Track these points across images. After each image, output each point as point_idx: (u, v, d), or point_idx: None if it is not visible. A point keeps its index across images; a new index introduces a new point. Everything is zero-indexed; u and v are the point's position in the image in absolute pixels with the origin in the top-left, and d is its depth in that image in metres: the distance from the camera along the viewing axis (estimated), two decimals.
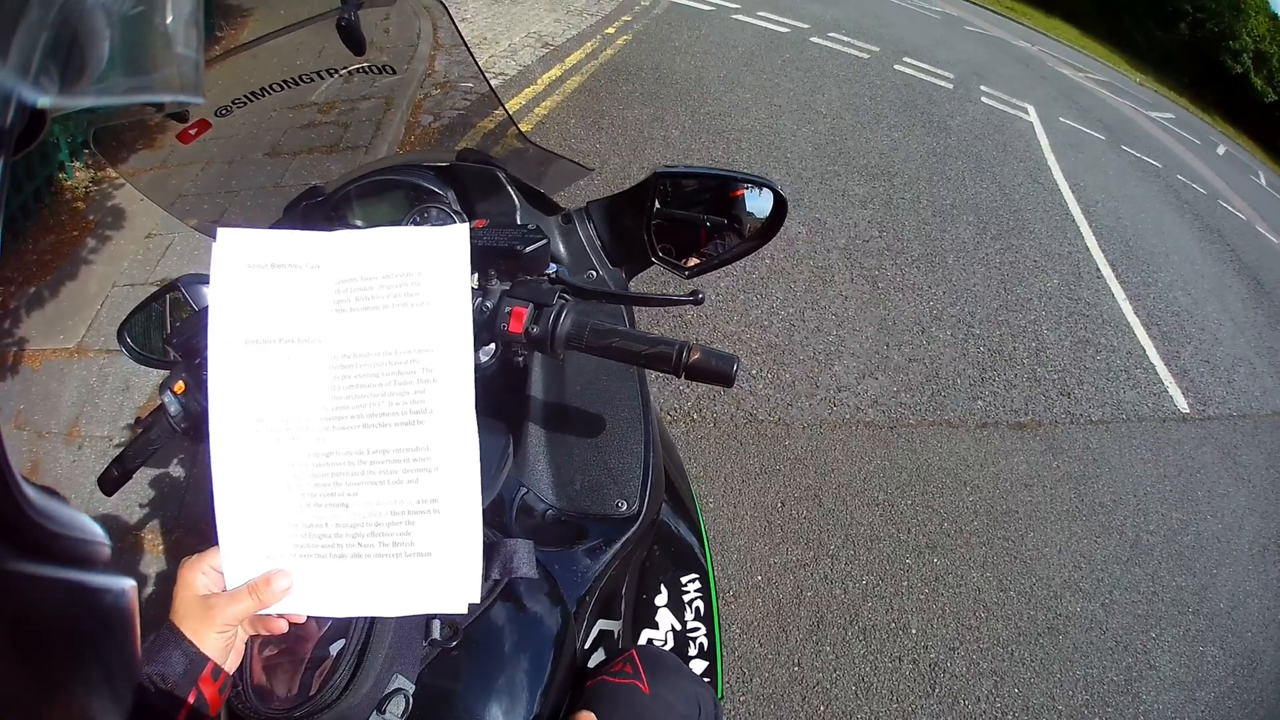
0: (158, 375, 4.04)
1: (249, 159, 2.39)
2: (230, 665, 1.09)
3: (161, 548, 3.61)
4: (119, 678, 0.62)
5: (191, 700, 1.01)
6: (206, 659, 1.03)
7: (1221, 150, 24.41)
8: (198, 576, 1.09)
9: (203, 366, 1.37)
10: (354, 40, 1.76)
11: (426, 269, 1.10)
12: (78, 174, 5.66)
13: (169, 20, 0.60)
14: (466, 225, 1.11)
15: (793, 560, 4.12)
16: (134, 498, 3.72)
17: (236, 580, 1.09)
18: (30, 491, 0.50)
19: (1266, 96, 39.69)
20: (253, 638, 1.13)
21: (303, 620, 1.13)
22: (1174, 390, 7.09)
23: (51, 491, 0.55)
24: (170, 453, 3.84)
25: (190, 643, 1.03)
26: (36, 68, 0.46)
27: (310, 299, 1.11)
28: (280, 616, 1.10)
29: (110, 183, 5.64)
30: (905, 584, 4.22)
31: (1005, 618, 4.28)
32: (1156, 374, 7.20)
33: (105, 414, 4.15)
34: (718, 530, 4.10)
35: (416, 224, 1.76)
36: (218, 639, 1.05)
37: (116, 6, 0.54)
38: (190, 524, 3.66)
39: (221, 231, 1.12)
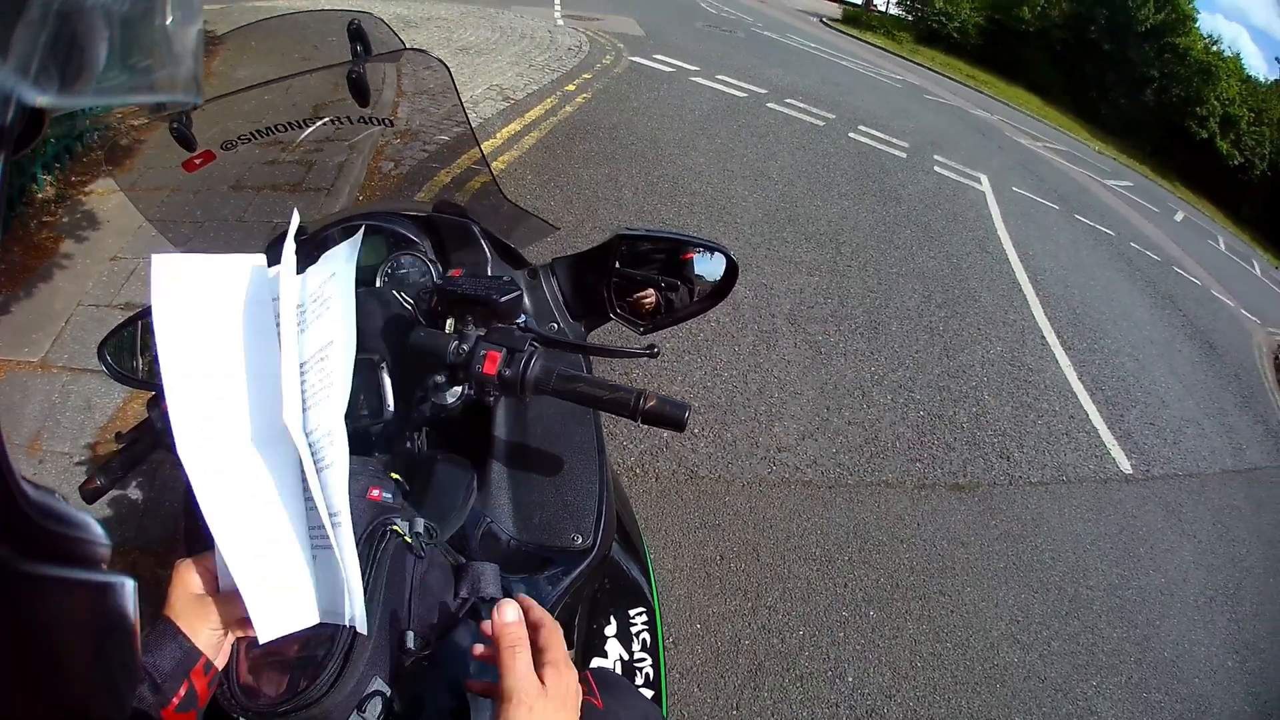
0: (119, 398, 4.19)
1: (214, 190, 2.42)
2: (220, 662, 1.15)
3: (120, 568, 3.62)
4: (119, 678, 0.66)
5: (183, 691, 1.07)
6: (200, 653, 1.11)
7: (1180, 216, 24.77)
8: (194, 576, 1.17)
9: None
10: (361, 91, 1.92)
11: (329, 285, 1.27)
12: (48, 188, 5.72)
13: (169, 20, 0.60)
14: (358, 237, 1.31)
15: (731, 610, 4.25)
16: (93, 515, 3.70)
17: (229, 583, 1.14)
18: (30, 491, 0.51)
19: (1233, 160, 40.19)
20: (239, 639, 1.18)
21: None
22: (1116, 452, 7.31)
23: (51, 491, 0.55)
24: (135, 473, 3.89)
25: (186, 637, 1.10)
26: (36, 67, 0.47)
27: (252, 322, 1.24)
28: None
29: (79, 196, 5.75)
30: (842, 635, 4.36)
31: (942, 667, 4.43)
32: (1099, 437, 7.43)
33: (67, 431, 4.20)
34: (659, 580, 4.08)
35: (393, 269, 1.90)
36: (211, 635, 1.13)
37: (116, 6, 0.54)
38: (146, 544, 3.74)
39: (156, 258, 1.20)
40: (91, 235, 5.47)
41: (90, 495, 1.62)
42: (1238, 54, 45.41)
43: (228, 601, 1.15)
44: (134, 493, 3.94)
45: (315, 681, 1.14)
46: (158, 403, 1.47)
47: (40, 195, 5.65)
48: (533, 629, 1.14)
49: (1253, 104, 42.48)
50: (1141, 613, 5.54)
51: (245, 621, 1.14)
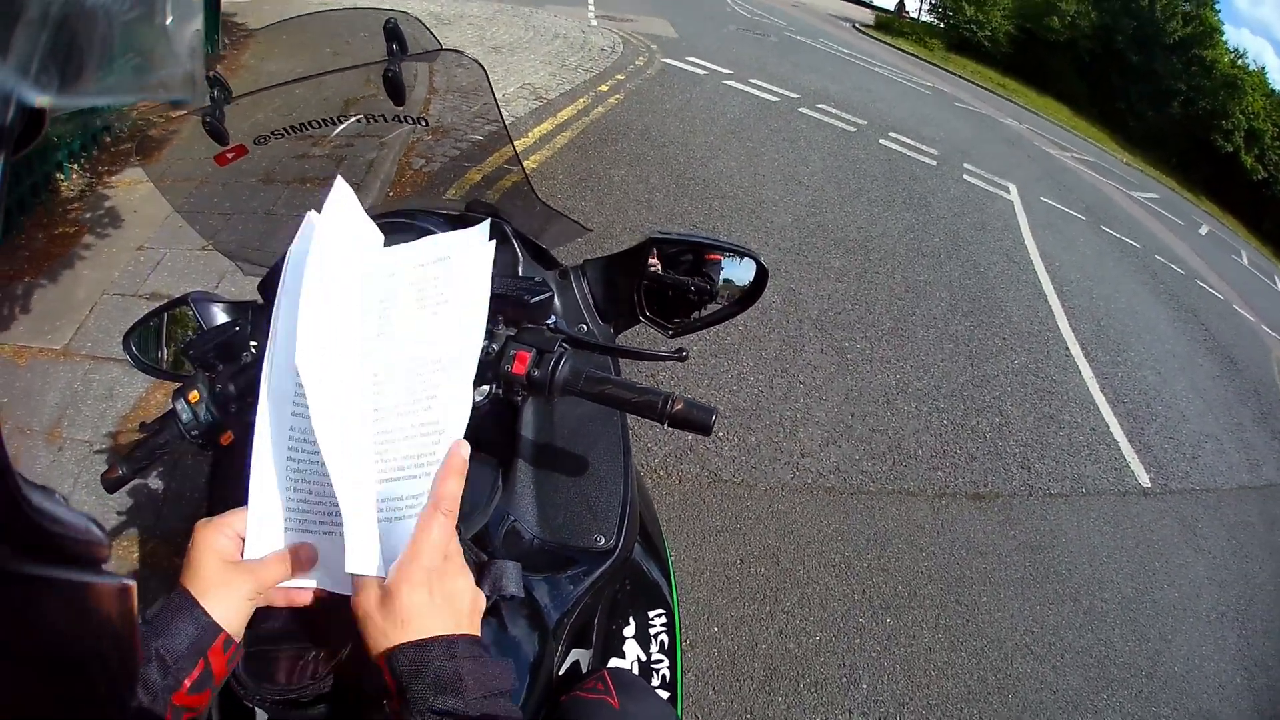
0: (142, 388, 4.23)
1: (243, 183, 2.46)
2: (239, 637, 1.10)
3: (136, 556, 3.68)
4: (119, 678, 0.65)
5: (197, 673, 1.02)
6: (219, 630, 1.05)
7: (1204, 230, 24.67)
8: (218, 539, 1.12)
9: (217, 379, 1.49)
10: (396, 90, 1.94)
11: (455, 265, 1.31)
12: (74, 176, 5.76)
13: (169, 20, 0.60)
14: (487, 223, 1.33)
15: (749, 615, 4.25)
16: (111, 505, 3.78)
17: (258, 548, 1.14)
18: (30, 491, 0.51)
19: (1256, 174, 40.00)
20: (250, 621, 1.13)
21: (308, 601, 1.18)
22: (1136, 465, 7.26)
23: (51, 491, 0.56)
24: (156, 464, 3.92)
25: (204, 611, 1.04)
26: (36, 67, 0.47)
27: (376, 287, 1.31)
28: (299, 589, 1.17)
29: (106, 186, 5.79)
30: (858, 641, 4.35)
31: (956, 676, 4.41)
32: (1119, 449, 7.38)
33: (88, 419, 4.21)
34: (678, 582, 4.17)
35: None
36: (234, 606, 1.08)
37: (116, 6, 0.54)
38: (166, 535, 3.74)
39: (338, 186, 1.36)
40: (118, 225, 5.50)
41: (112, 485, 1.60)
42: (1263, 68, 45.15)
43: (257, 567, 1.12)
44: (154, 482, 3.94)
45: (331, 672, 1.17)
46: (183, 393, 1.47)
47: (65, 184, 5.69)
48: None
49: (1277, 119, 42.21)
50: (1154, 627, 5.50)
51: (278, 589, 1.15)
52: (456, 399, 1.19)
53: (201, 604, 1.05)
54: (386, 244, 1.50)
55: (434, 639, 1.00)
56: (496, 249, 1.81)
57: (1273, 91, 44.10)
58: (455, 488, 1.12)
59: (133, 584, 0.62)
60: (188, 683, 1.01)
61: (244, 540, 1.15)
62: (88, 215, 5.53)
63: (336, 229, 1.32)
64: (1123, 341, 9.78)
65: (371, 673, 1.05)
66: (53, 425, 4.15)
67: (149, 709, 0.98)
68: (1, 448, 0.48)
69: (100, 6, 0.52)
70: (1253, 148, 41.33)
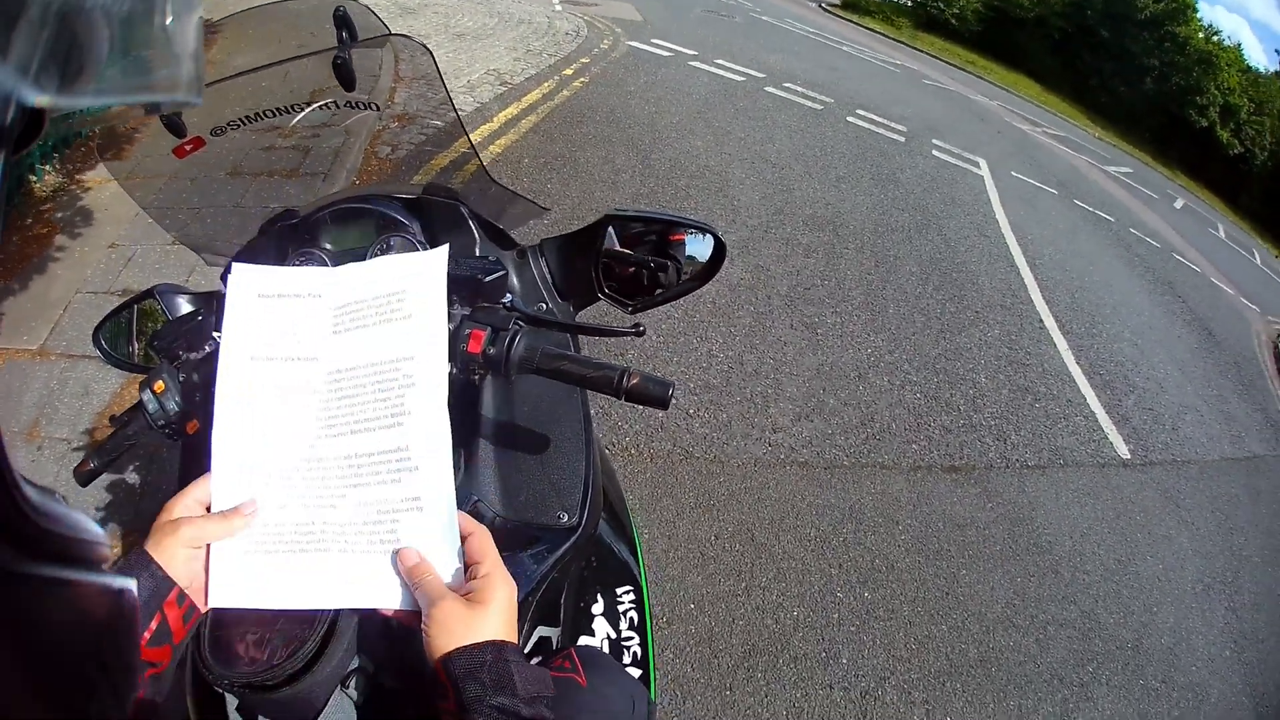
0: (117, 383, 4.20)
1: (212, 177, 2.44)
2: (197, 597, 1.17)
3: (117, 550, 3.61)
4: (119, 678, 0.64)
5: (155, 624, 1.08)
6: (173, 584, 1.11)
7: (1179, 204, 24.88)
8: (177, 504, 1.21)
9: (181, 369, 1.51)
10: (347, 76, 1.94)
11: (409, 287, 1.28)
12: (47, 177, 5.75)
13: (169, 20, 0.59)
14: (445, 249, 1.30)
15: (725, 591, 4.24)
16: (90, 501, 3.79)
17: (223, 502, 1.23)
18: (30, 491, 0.51)
19: (1232, 149, 40.27)
20: (211, 610, 1.19)
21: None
22: (1114, 437, 7.29)
23: (51, 491, 0.56)
24: (127, 459, 3.94)
25: (159, 566, 1.11)
26: (36, 67, 0.46)
27: (311, 323, 1.30)
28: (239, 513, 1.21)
29: (80, 186, 5.76)
30: (836, 616, 4.34)
31: (937, 650, 4.41)
32: (1096, 421, 7.41)
33: (65, 417, 4.22)
34: (652, 560, 4.21)
35: (382, 251, 1.85)
36: (184, 558, 1.15)
37: (116, 6, 0.53)
38: (144, 529, 3.65)
39: (236, 266, 1.33)
40: (90, 223, 5.49)
41: (84, 478, 1.61)
42: (1238, 44, 45.45)
43: (198, 519, 1.19)
44: (131, 476, 3.94)
45: (292, 656, 1.16)
46: (149, 384, 1.48)
47: (38, 185, 5.67)
48: (465, 538, 1.20)
49: (1253, 95, 42.54)
50: (1138, 599, 5.52)
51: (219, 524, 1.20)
52: (430, 395, 1.24)
53: (157, 560, 1.12)
54: (336, 253, 1.63)
55: (488, 643, 1.08)
56: (453, 232, 1.85)
57: (1249, 68, 44.47)
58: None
59: (133, 583, 0.63)
60: (147, 635, 1.07)
61: (206, 507, 1.24)
62: (60, 215, 5.53)
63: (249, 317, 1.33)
64: (1098, 314, 9.82)
65: (427, 674, 1.11)
66: (31, 425, 4.18)
67: None
68: (1, 448, 0.49)
69: (100, 6, 0.52)
70: (1228, 122, 41.63)
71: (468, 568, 1.18)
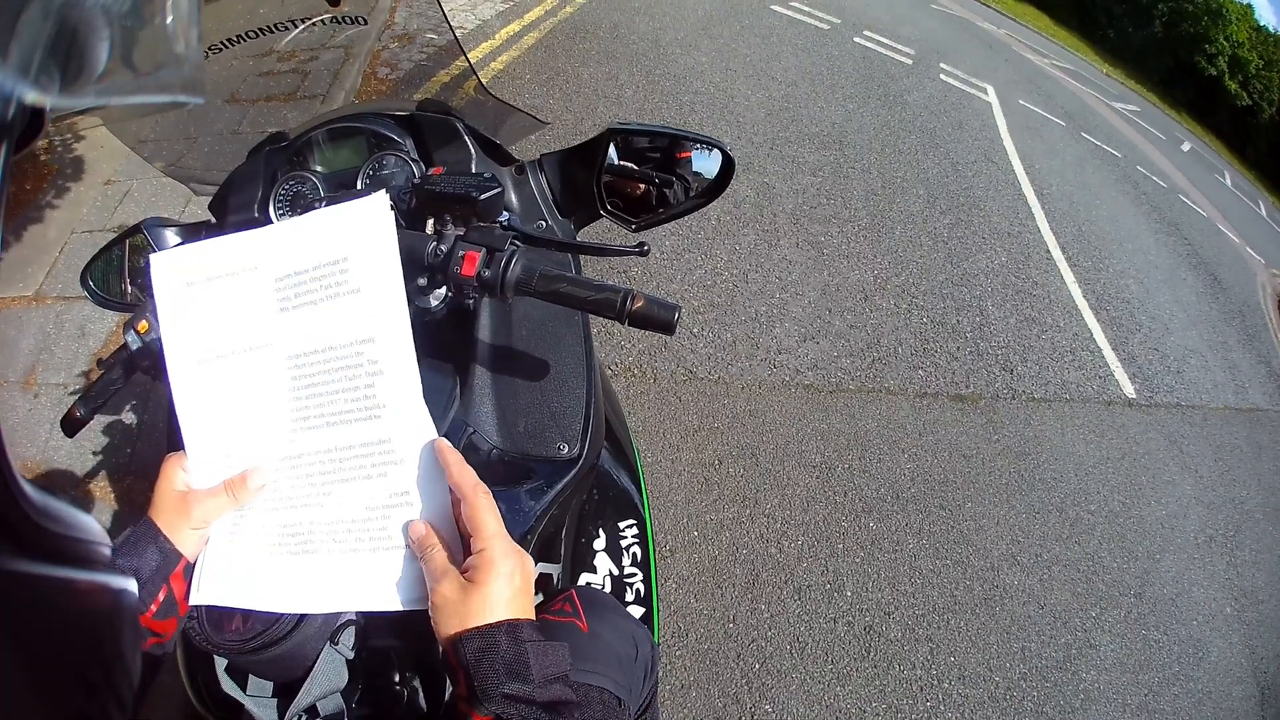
0: (114, 322, 4.13)
1: (208, 105, 2.41)
2: None
3: (113, 495, 3.64)
4: (119, 677, 0.66)
5: (162, 596, 1.06)
6: (180, 556, 1.10)
7: (1187, 147, 24.91)
8: (178, 472, 1.16)
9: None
10: None
11: (352, 252, 1.13)
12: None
13: (169, 20, 0.61)
14: (384, 194, 1.16)
15: (729, 518, 4.21)
16: (85, 445, 3.76)
17: (201, 478, 1.18)
18: (30, 491, 0.52)
19: (1241, 100, 40.27)
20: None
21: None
22: (1120, 375, 7.30)
23: (51, 491, 0.56)
24: (122, 399, 3.89)
25: (166, 539, 1.09)
26: (37, 67, 0.47)
27: (253, 304, 1.16)
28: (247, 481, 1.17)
29: (72, 131, 5.62)
30: (840, 546, 4.32)
31: (941, 586, 4.41)
32: (1103, 357, 7.41)
33: (61, 361, 4.17)
34: (655, 485, 4.18)
35: (375, 171, 1.83)
36: (193, 536, 1.13)
37: (116, 6, 0.55)
38: (141, 470, 3.69)
39: (154, 258, 1.19)
40: (84, 161, 5.41)
41: (72, 427, 1.58)
42: (1248, 4, 45.31)
43: (203, 498, 1.15)
44: (127, 417, 3.90)
45: (283, 617, 1.16)
46: (133, 324, 1.42)
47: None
48: (459, 507, 1.11)
49: (1263, 52, 42.54)
50: (1142, 544, 5.55)
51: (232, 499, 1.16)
52: (401, 383, 1.14)
53: (164, 532, 1.10)
54: (327, 175, 1.60)
55: (500, 624, 1.01)
56: (448, 149, 1.80)
57: (1259, 25, 44.36)
58: (470, 472, 1.11)
59: (133, 583, 0.72)
60: (154, 606, 1.05)
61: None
62: (54, 155, 5.43)
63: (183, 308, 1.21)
64: (1105, 249, 9.78)
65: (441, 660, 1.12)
66: (28, 373, 4.18)
67: None
68: (2, 448, 0.49)
69: (100, 6, 0.53)
70: (1236, 74, 41.63)
71: (465, 543, 1.11)
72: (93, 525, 0.60)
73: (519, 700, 0.96)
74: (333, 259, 1.13)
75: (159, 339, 1.28)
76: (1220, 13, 42.04)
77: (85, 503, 3.62)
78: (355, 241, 1.13)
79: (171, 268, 1.18)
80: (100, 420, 3.81)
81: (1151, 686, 4.59)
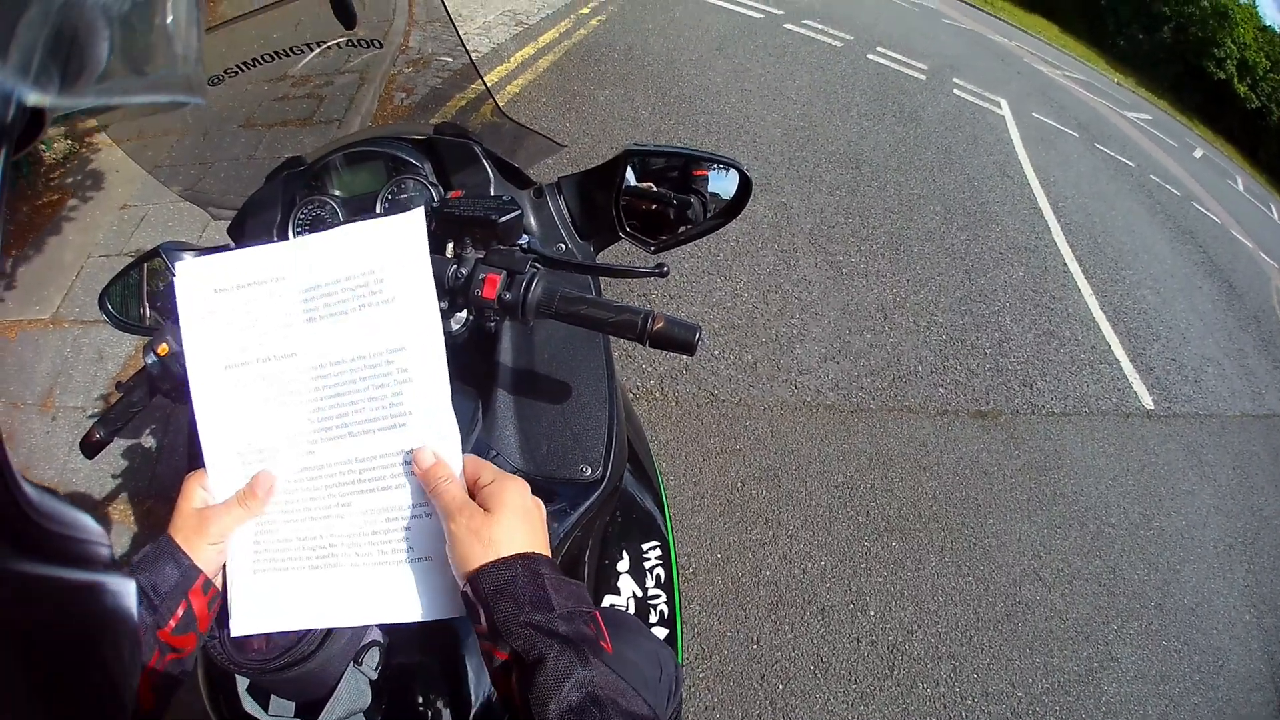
0: (131, 346, 4.11)
1: (224, 130, 2.41)
2: (219, 583, 1.14)
3: (133, 517, 3.63)
4: (119, 677, 0.66)
5: (181, 612, 1.05)
6: (199, 571, 1.08)
7: (1199, 153, 24.70)
8: (198, 490, 1.15)
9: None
10: (346, 13, 1.85)
11: (386, 264, 1.12)
12: (56, 145, 5.64)
13: (169, 20, 0.60)
14: (421, 211, 1.14)
15: (752, 539, 4.17)
16: (105, 468, 3.75)
17: (220, 491, 1.16)
18: (30, 491, 0.52)
19: (1250, 103, 40.11)
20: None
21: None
22: (1139, 386, 7.22)
23: (51, 491, 0.56)
24: (142, 423, 3.88)
25: (184, 554, 1.08)
26: (36, 68, 0.47)
27: (280, 313, 1.15)
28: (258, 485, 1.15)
29: (89, 152, 5.65)
30: (864, 566, 4.28)
31: (964, 603, 4.36)
32: (1121, 369, 7.33)
33: (79, 384, 4.16)
34: (678, 507, 4.14)
35: (394, 195, 1.83)
36: (211, 551, 1.11)
37: (116, 6, 0.54)
38: (162, 492, 3.68)
39: (180, 265, 1.18)
40: (100, 186, 5.41)
41: (91, 450, 1.58)
42: (1253, 3, 45.14)
43: (219, 513, 1.13)
44: (148, 440, 3.88)
45: (307, 636, 1.14)
46: (152, 347, 1.42)
47: (48, 153, 5.59)
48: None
49: (1270, 53, 42.35)
50: (1162, 556, 5.49)
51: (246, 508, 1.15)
52: (431, 390, 1.13)
53: (183, 549, 1.09)
54: (346, 199, 1.62)
55: (517, 556, 1.01)
56: (466, 172, 1.81)
57: (1265, 26, 44.18)
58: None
59: (133, 583, 0.67)
60: (173, 622, 1.04)
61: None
62: (70, 180, 5.44)
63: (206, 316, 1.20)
64: (1121, 260, 9.70)
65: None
66: (45, 395, 4.18)
67: (138, 642, 0.99)
68: (2, 448, 0.49)
69: (100, 6, 0.53)
70: (1245, 77, 41.45)
71: (472, 492, 1.10)
72: (93, 525, 0.60)
73: (540, 631, 0.95)
74: (365, 270, 1.13)
75: (180, 359, 1.28)
76: (1226, 14, 41.84)
77: (105, 525, 3.58)
78: (390, 254, 1.12)
79: (198, 274, 1.17)
80: (121, 443, 3.81)
81: (1172, 697, 4.52)
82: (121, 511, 3.66)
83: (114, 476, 3.74)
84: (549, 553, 1.06)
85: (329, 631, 1.15)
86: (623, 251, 1.89)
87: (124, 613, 0.64)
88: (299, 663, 1.13)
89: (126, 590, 0.64)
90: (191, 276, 1.17)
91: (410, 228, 1.12)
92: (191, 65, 0.62)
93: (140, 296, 1.94)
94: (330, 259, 1.14)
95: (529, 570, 0.99)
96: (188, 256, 1.72)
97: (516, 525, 1.03)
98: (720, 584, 3.93)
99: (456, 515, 1.03)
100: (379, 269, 1.12)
